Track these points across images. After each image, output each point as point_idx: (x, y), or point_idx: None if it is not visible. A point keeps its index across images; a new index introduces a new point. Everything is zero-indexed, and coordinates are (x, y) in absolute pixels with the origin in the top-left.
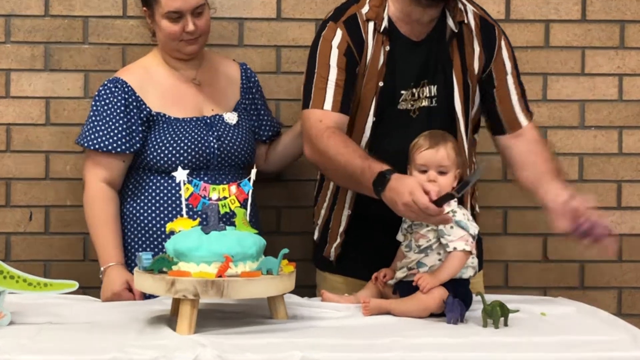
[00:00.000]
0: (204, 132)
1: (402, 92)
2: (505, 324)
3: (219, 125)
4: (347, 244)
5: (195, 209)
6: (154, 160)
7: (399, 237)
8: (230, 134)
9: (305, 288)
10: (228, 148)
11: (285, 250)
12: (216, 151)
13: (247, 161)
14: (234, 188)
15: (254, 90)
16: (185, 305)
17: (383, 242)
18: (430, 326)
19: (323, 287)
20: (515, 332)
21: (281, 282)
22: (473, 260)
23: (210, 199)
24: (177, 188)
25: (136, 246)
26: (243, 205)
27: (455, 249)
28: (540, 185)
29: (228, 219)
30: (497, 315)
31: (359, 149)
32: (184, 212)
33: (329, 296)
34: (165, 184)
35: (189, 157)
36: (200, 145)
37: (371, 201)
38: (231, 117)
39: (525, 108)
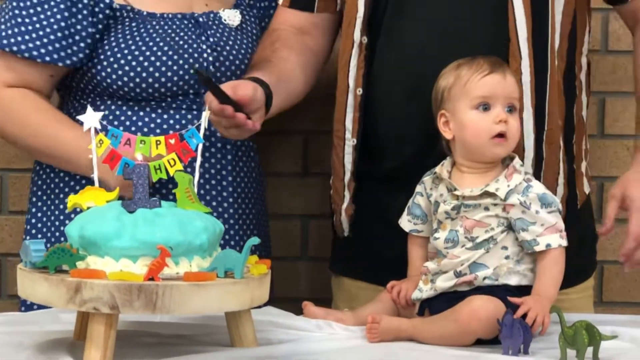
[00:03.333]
0: (194, 37)
1: None
2: (595, 358)
3: (215, 27)
4: (360, 198)
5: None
6: (110, 80)
7: (404, 223)
8: (231, 42)
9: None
10: (227, 63)
11: (255, 240)
12: (210, 67)
13: None
14: (173, 140)
15: None
16: (97, 324)
17: None
18: None
19: (338, 298)
20: None
21: (247, 289)
22: None
23: (136, 160)
24: (155, 123)
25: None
26: (188, 168)
27: (549, 246)
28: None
29: (165, 191)
30: (582, 343)
31: None
32: (95, 179)
33: (311, 310)
34: (134, 118)
35: (169, 75)
36: (186, 57)
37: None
38: (232, 17)
39: None
